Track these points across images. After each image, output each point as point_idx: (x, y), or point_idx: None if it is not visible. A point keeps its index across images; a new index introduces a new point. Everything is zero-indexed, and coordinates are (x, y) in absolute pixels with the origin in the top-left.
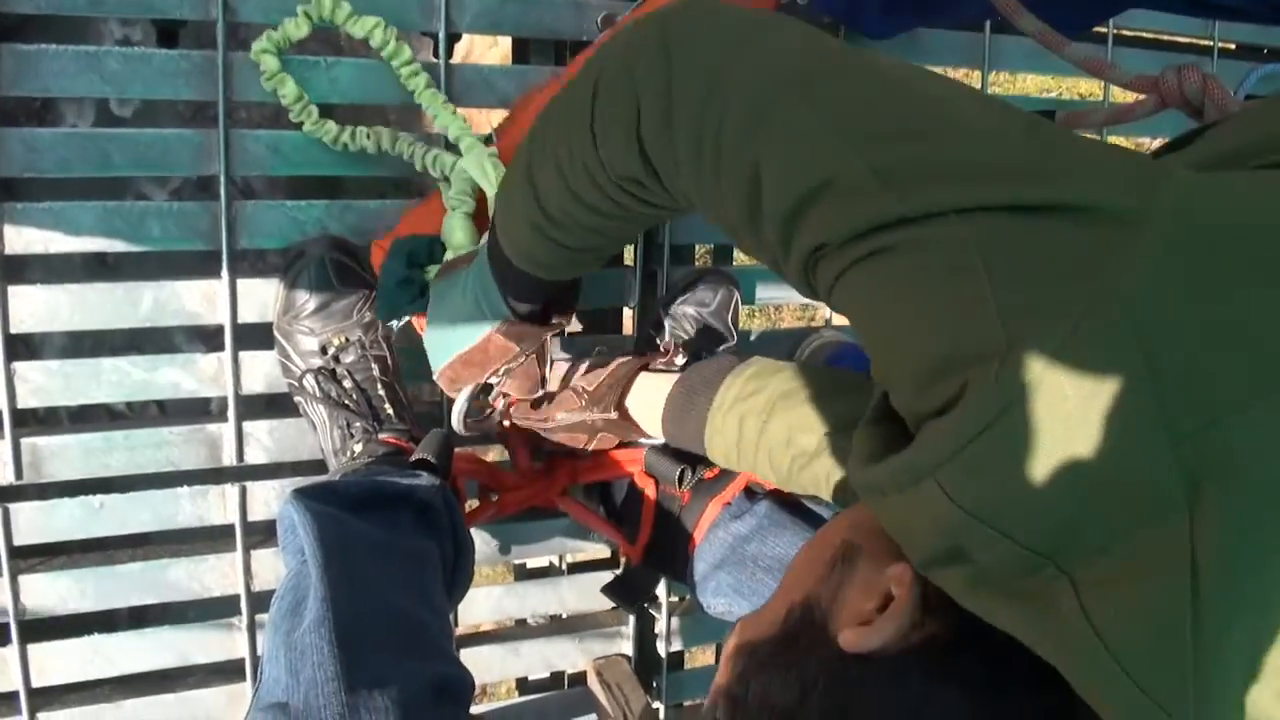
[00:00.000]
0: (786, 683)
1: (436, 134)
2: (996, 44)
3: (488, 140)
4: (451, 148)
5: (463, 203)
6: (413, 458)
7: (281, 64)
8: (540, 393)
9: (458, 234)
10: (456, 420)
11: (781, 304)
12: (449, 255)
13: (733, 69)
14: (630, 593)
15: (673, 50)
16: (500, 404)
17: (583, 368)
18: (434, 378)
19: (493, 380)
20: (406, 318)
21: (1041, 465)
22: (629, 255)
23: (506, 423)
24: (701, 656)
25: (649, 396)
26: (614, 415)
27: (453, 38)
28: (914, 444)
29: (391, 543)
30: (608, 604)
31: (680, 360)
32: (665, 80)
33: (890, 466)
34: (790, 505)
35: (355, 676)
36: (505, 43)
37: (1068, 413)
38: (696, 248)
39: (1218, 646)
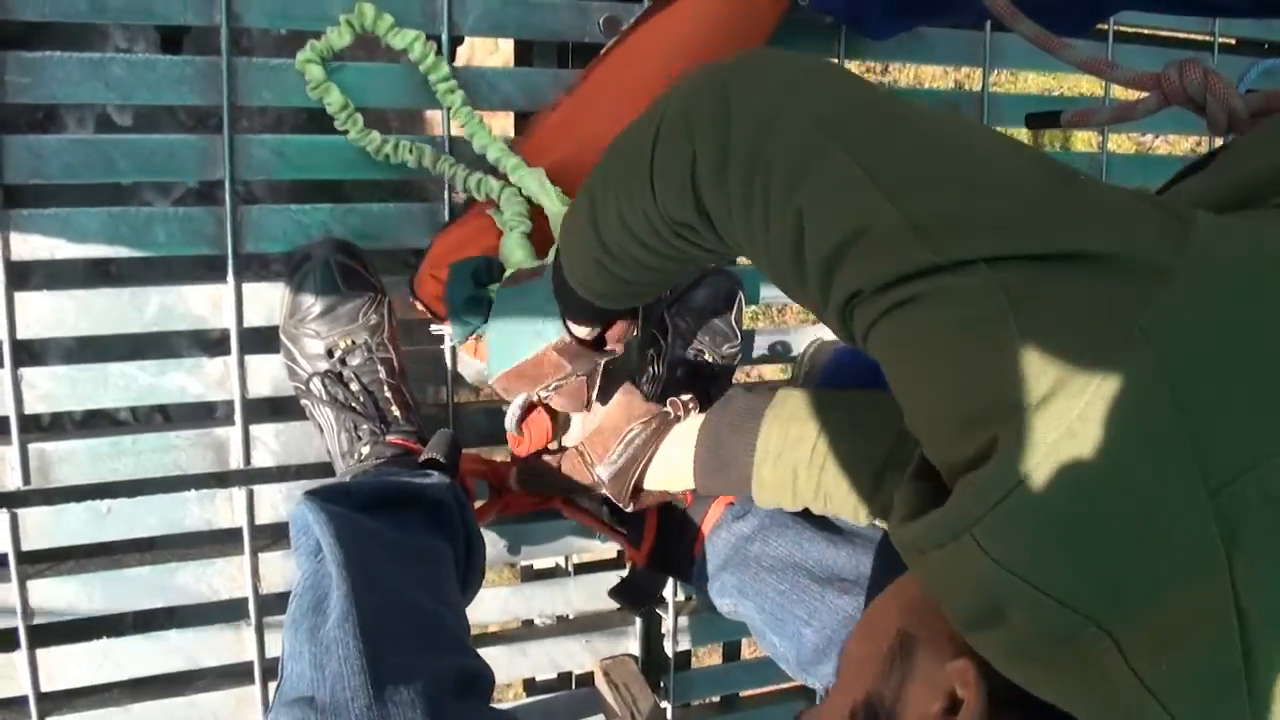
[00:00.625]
0: None
1: (438, 136)
2: (997, 42)
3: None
4: (474, 160)
5: (520, 222)
6: (422, 458)
7: (327, 72)
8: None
9: (517, 253)
10: (511, 426)
11: (785, 304)
12: (508, 274)
13: (781, 120)
14: (636, 595)
15: (732, 103)
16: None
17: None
18: (489, 382)
19: (541, 394)
20: (476, 335)
21: (1078, 520)
22: None
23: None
24: (708, 657)
25: (668, 453)
26: (630, 508)
27: (455, 40)
28: (950, 500)
29: (405, 542)
30: (614, 604)
31: (693, 413)
32: (722, 132)
33: (927, 523)
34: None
35: (381, 670)
36: (506, 48)
37: (1103, 465)
38: None
39: (1271, 693)
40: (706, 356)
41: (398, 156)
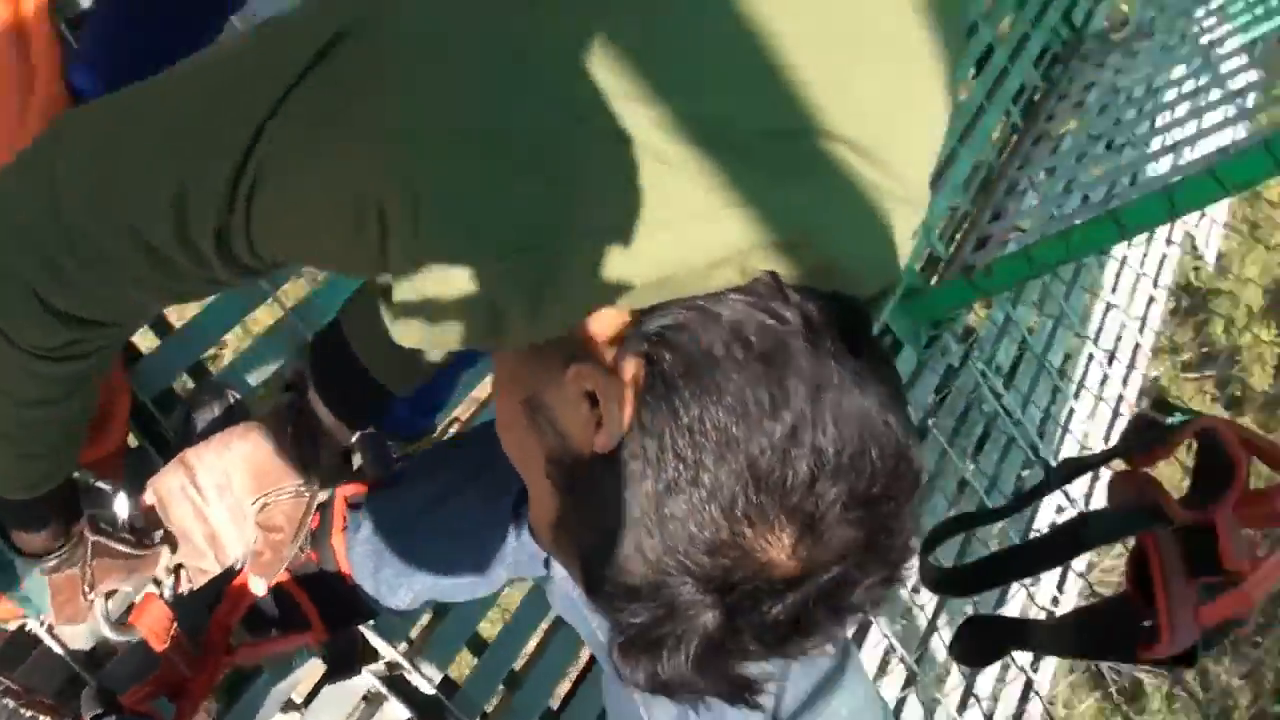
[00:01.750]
0: (606, 510)
1: None
2: None
3: None
4: None
5: None
6: None
7: None
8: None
9: None
10: (105, 628)
11: None
12: None
13: (40, 201)
14: (345, 662)
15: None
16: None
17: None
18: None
19: (89, 595)
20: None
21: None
22: (133, 438)
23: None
24: (460, 666)
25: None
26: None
27: None
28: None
29: None
30: (359, 694)
31: None
32: (36, 255)
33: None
34: (378, 490)
35: None
36: None
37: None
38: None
39: None
40: None
41: None
